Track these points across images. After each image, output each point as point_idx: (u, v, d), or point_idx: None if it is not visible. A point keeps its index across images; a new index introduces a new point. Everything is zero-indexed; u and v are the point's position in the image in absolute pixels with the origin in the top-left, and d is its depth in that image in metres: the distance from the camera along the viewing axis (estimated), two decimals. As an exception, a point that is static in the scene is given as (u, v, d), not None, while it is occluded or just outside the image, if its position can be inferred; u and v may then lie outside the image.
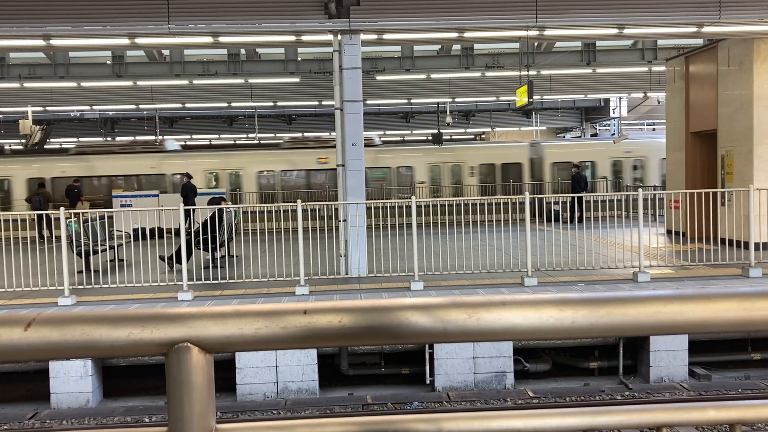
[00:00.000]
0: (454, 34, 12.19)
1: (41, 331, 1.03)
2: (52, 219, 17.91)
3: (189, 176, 19.19)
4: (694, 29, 12.05)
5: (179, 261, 10.24)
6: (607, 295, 1.09)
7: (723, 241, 11.59)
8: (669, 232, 15.12)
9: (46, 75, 21.61)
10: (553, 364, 9.42)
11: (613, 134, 29.13)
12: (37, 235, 17.37)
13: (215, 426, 1.06)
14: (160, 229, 15.15)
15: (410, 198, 10.38)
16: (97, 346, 1.04)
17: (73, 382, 8.37)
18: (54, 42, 11.71)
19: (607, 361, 9.25)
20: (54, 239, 15.84)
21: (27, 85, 21.19)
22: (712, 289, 1.12)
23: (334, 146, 12.63)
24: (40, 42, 11.76)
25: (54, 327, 1.04)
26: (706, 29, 11.94)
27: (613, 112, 30.25)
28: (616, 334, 1.09)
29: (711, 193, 11.46)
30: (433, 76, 22.20)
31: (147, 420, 7.78)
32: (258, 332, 1.05)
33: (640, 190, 10.42)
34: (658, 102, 29.24)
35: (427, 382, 8.75)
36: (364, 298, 8.62)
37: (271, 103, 24.50)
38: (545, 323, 1.06)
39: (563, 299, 1.07)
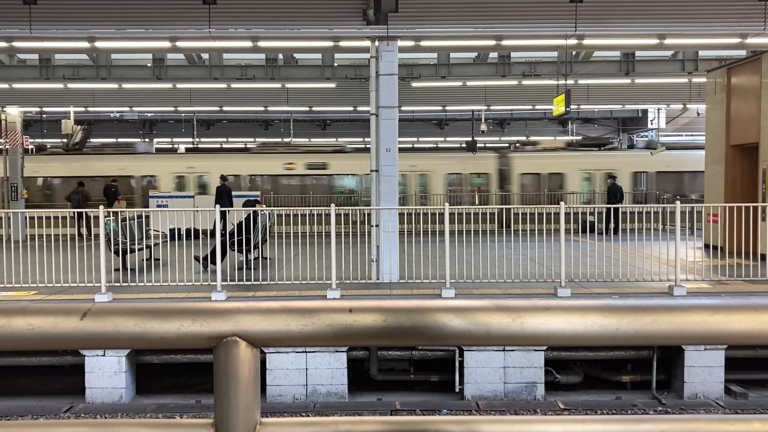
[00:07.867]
0: (492, 42, 12.15)
1: (96, 321, 1.07)
2: (91, 217, 18.27)
3: (224, 178, 19.31)
4: (737, 40, 11.83)
5: (213, 261, 10.36)
6: (652, 303, 1.08)
7: (763, 256, 11.32)
8: (706, 246, 14.82)
9: (88, 76, 22.11)
10: (585, 376, 9.30)
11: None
12: (76, 233, 17.73)
13: (260, 419, 1.08)
14: (195, 230, 15.34)
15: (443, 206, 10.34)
16: (148, 337, 1.07)
17: (107, 378, 8.52)
18: (98, 44, 11.99)
19: (640, 375, 9.10)
20: (92, 237, 16.16)
21: (70, 86, 21.69)
22: (758, 299, 1.10)
23: None
24: (85, 44, 12.06)
25: (108, 318, 1.07)
26: (750, 40, 11.71)
27: (651, 124, 29.77)
28: (660, 343, 1.08)
29: (751, 208, 11.21)
30: (469, 83, 22.10)
31: (179, 417, 7.88)
32: (304, 329, 1.06)
33: (678, 202, 10.23)
34: (698, 114, 28.70)
35: (457, 389, 8.70)
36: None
37: (307, 108, 24.68)
38: (589, 329, 1.06)
39: (608, 306, 1.07)
